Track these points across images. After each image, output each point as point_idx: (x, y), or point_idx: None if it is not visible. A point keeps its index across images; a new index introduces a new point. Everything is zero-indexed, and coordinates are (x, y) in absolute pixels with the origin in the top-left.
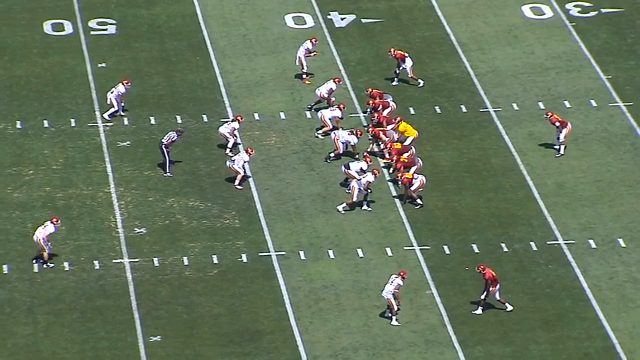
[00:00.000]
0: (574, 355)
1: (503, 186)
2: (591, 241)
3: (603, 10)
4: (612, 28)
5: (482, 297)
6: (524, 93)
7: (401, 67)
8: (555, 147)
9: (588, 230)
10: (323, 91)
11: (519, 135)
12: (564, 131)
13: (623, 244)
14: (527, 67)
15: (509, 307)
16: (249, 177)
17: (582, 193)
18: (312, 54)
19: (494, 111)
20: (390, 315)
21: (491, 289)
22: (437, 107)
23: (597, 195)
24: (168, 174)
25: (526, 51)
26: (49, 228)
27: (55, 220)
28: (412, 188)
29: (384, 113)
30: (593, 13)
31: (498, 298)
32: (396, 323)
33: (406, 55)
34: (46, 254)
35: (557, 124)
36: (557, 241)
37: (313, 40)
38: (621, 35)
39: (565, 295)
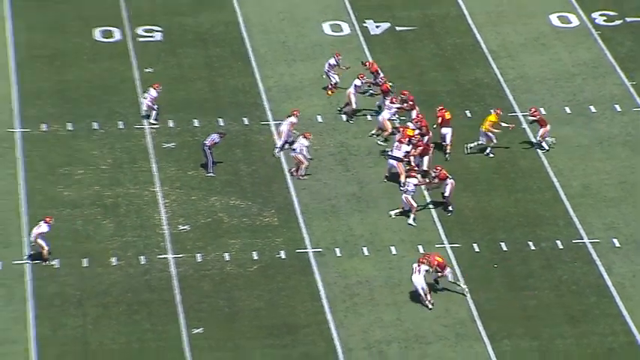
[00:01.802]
0: (598, 350)
1: (530, 187)
2: (615, 240)
3: (628, 19)
4: (636, 37)
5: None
6: (552, 98)
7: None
8: (542, 145)
9: (612, 230)
10: (351, 90)
11: (549, 134)
12: (541, 130)
13: None
14: (554, 73)
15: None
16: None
17: (607, 194)
18: (343, 68)
19: (523, 115)
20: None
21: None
22: (467, 111)
23: (621, 196)
24: (211, 174)
25: (553, 58)
26: (42, 227)
27: (48, 219)
28: (446, 194)
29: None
30: (618, 22)
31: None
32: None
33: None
34: (45, 252)
35: (536, 120)
36: (583, 240)
37: (337, 56)
38: None
39: (590, 292)
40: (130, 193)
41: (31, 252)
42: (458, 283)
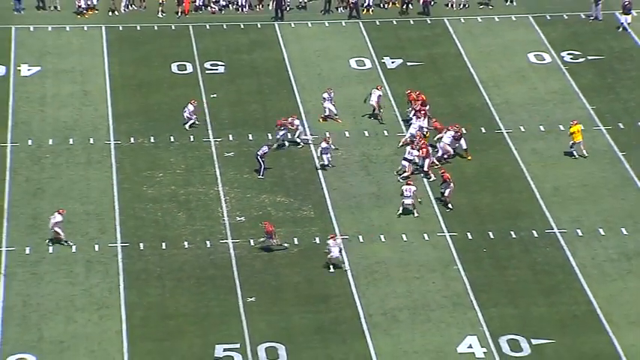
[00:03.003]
0: (565, 316)
1: (512, 188)
2: (579, 230)
3: (589, 57)
4: (596, 71)
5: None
6: (529, 119)
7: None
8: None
9: (576, 222)
10: (374, 100)
11: (525, 150)
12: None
13: (603, 233)
14: (531, 99)
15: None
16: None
17: (572, 194)
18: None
19: (506, 132)
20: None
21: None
22: (463, 129)
23: (583, 196)
24: (262, 177)
25: (530, 87)
26: (57, 217)
27: (61, 211)
28: (445, 195)
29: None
30: (581, 59)
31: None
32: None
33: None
34: (62, 236)
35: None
36: (553, 230)
37: (379, 88)
38: (603, 76)
39: (558, 271)
40: (199, 192)
41: (122, 240)
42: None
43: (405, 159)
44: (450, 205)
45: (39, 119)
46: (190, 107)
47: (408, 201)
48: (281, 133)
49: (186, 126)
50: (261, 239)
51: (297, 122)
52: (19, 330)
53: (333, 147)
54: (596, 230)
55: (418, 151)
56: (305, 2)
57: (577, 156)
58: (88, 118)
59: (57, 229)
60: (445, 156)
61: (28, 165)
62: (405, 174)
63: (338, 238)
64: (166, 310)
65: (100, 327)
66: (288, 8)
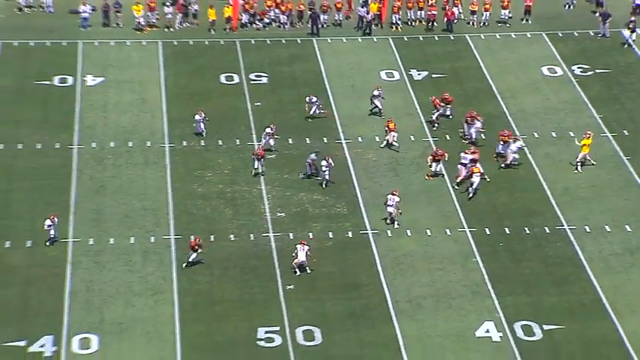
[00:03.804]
0: (573, 304)
1: (526, 189)
2: (586, 227)
3: (597, 71)
4: (603, 83)
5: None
6: (542, 126)
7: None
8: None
9: (584, 220)
10: (378, 103)
11: (538, 154)
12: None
13: (609, 230)
14: (544, 108)
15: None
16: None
17: (581, 194)
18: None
19: (522, 137)
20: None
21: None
22: (483, 135)
23: (591, 196)
24: (302, 176)
25: (544, 98)
26: (48, 222)
27: (52, 216)
28: (475, 186)
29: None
30: (590, 72)
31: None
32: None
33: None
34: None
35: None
36: (563, 226)
37: (379, 88)
38: (609, 88)
39: (568, 264)
40: (243, 190)
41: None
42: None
43: (461, 164)
44: (471, 196)
45: (102, 124)
46: (197, 117)
47: (390, 209)
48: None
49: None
50: (190, 255)
51: (314, 98)
52: (83, 312)
53: (333, 165)
54: (603, 227)
55: (472, 154)
56: (340, 20)
57: (583, 164)
58: (146, 124)
59: (51, 230)
60: (515, 163)
61: (92, 165)
62: (459, 178)
63: (306, 245)
64: (214, 296)
65: (155, 310)
66: (324, 25)
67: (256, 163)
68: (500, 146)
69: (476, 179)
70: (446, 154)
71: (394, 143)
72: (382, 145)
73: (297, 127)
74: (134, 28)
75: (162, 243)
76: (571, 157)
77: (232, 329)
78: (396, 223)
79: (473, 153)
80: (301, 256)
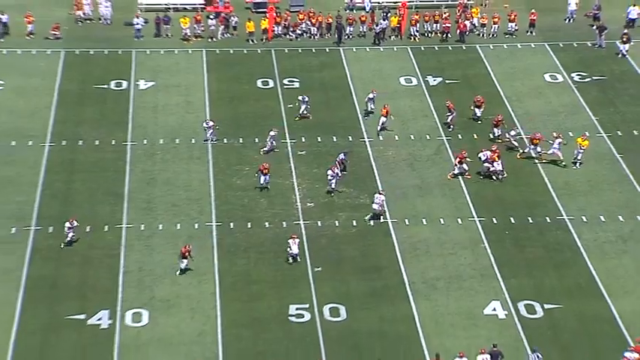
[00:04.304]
0: (571, 286)
1: (530, 182)
2: (583, 217)
3: (594, 78)
4: (599, 89)
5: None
6: (545, 127)
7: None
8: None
9: (582, 211)
10: (370, 105)
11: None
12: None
13: (603, 220)
14: (547, 111)
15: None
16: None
17: (579, 188)
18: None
19: (526, 137)
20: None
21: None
22: (490, 134)
23: (588, 189)
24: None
25: (546, 101)
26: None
27: (72, 219)
28: (500, 168)
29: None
30: (587, 79)
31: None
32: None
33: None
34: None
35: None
36: (563, 216)
37: (374, 91)
38: (605, 93)
39: (566, 250)
40: (277, 182)
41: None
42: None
43: (479, 159)
44: (500, 177)
45: (152, 123)
46: (210, 123)
47: (375, 207)
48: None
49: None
50: (181, 262)
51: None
52: (136, 290)
53: (339, 176)
54: (598, 217)
55: (493, 153)
56: (364, 32)
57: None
58: (190, 123)
59: (71, 233)
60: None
61: (143, 159)
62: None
63: (297, 238)
64: (250, 277)
65: (198, 289)
66: (350, 36)
67: (262, 178)
68: (531, 148)
69: (497, 166)
70: (465, 153)
71: (385, 126)
72: (378, 129)
73: (326, 127)
74: (181, 38)
75: (205, 229)
76: (571, 155)
77: (266, 306)
78: (381, 217)
79: (494, 152)
80: (294, 249)
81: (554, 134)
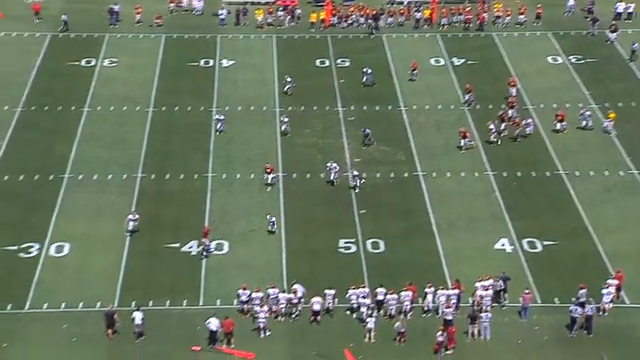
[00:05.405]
0: (566, 227)
1: (533, 143)
2: (576, 172)
3: (588, 60)
4: (591, 69)
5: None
6: (546, 100)
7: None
8: None
9: (575, 167)
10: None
11: (544, 120)
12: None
13: (592, 174)
14: (549, 87)
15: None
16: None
17: (573, 148)
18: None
19: (532, 107)
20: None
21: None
22: (502, 105)
23: (580, 149)
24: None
25: (548, 80)
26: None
27: (134, 212)
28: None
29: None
30: (582, 61)
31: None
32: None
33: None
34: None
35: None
36: (559, 171)
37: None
38: (596, 72)
39: (562, 198)
40: (330, 142)
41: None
42: None
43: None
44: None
45: (233, 94)
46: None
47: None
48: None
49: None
50: (203, 243)
51: (289, 79)
52: (219, 226)
53: (337, 168)
54: (588, 172)
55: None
56: (402, 22)
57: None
58: (263, 95)
59: (131, 223)
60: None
61: (225, 122)
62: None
63: (274, 216)
64: (308, 216)
65: (267, 225)
66: (391, 25)
67: (269, 177)
68: (558, 124)
69: (528, 127)
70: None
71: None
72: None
73: (369, 97)
74: (256, 26)
75: (273, 179)
76: (567, 121)
77: (321, 240)
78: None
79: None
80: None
81: (581, 105)
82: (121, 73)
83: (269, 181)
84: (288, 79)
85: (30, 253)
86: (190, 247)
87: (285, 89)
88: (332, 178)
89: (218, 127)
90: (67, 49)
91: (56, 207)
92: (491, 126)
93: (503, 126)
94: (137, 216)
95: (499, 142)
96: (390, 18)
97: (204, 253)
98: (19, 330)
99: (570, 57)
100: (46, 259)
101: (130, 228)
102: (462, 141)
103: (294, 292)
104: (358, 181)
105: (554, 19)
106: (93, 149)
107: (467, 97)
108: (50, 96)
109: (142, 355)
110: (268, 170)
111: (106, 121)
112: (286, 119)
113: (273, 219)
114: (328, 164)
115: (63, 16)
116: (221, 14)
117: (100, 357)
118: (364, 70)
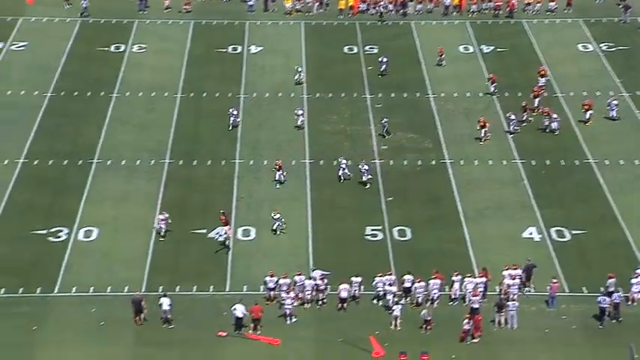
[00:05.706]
0: (594, 215)
1: (563, 132)
2: (606, 161)
3: (619, 48)
4: (623, 57)
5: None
6: (577, 87)
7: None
8: None
9: (605, 155)
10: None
11: (573, 108)
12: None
13: (622, 163)
14: (579, 75)
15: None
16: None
17: (602, 137)
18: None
19: (561, 95)
20: None
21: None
22: (530, 95)
23: (611, 138)
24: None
25: (579, 67)
26: (161, 215)
27: (164, 212)
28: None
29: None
30: (613, 49)
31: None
32: None
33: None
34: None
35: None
36: (589, 160)
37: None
38: (628, 60)
39: (592, 186)
40: (357, 129)
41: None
42: None
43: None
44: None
45: (260, 80)
46: (234, 112)
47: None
48: None
49: (232, 125)
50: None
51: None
52: (246, 212)
53: (370, 174)
54: (618, 161)
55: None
56: (431, 9)
57: None
58: (291, 81)
59: (161, 224)
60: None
61: (253, 109)
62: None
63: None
64: (335, 203)
65: (294, 212)
66: (420, 12)
67: (277, 174)
68: (587, 114)
69: (554, 124)
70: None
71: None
72: None
73: (399, 84)
74: (284, 12)
75: (300, 165)
76: (597, 108)
77: (348, 227)
78: (346, 176)
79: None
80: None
81: (612, 94)
82: (150, 59)
83: (276, 178)
84: (299, 69)
85: (59, 237)
86: (217, 233)
87: (295, 77)
88: (340, 174)
89: (231, 121)
90: (97, 34)
91: (85, 192)
92: (512, 116)
93: (525, 116)
94: (167, 215)
95: (519, 130)
96: (419, 5)
97: (226, 243)
98: (48, 313)
99: (601, 44)
100: (75, 244)
101: (161, 229)
102: (482, 130)
103: (314, 279)
104: (367, 175)
105: (585, 6)
106: (121, 135)
107: (491, 87)
108: (80, 81)
109: (169, 340)
110: (278, 166)
111: (135, 106)
112: (301, 112)
113: (278, 216)
114: (340, 159)
115: (83, 2)
116: (250, 0)
117: (128, 341)
118: (380, 59)
